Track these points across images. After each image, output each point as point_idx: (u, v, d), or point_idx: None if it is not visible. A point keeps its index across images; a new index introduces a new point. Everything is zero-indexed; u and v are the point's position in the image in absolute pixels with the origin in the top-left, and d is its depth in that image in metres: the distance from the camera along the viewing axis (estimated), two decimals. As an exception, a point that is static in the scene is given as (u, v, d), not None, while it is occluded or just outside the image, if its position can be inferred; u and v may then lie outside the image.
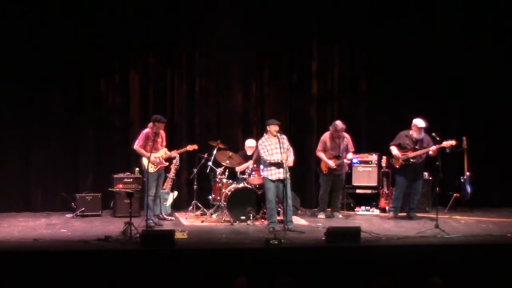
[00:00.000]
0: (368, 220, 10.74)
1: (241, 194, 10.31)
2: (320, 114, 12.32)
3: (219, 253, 8.15)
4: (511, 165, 12.32)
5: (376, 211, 11.51)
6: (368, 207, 11.65)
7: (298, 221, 10.53)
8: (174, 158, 10.59)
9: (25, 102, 11.37)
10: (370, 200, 11.78)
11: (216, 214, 10.72)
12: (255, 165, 10.56)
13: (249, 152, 11.02)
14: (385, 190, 11.50)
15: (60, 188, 11.40)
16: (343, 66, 12.46)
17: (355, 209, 11.70)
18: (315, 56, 12.29)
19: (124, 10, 11.63)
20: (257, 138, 10.43)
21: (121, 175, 11.03)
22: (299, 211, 11.40)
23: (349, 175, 11.56)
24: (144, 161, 9.84)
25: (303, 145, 12.02)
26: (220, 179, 10.72)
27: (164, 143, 10.15)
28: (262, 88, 12.28)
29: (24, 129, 11.40)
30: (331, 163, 10.77)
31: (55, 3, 11.36)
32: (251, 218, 10.16)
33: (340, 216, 11.09)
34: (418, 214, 10.89)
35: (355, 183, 11.82)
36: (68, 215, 10.88)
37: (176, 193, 11.14)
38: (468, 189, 11.50)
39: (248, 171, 10.58)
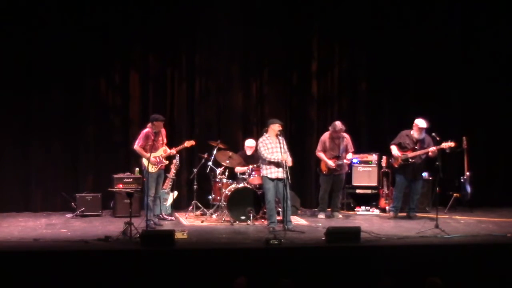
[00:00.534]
0: (368, 220, 10.75)
1: (241, 194, 10.31)
2: (320, 114, 12.32)
3: (219, 253, 8.14)
4: (511, 165, 12.33)
5: (376, 211, 11.51)
6: (368, 207, 11.66)
7: (298, 221, 10.53)
8: (174, 156, 10.58)
9: (25, 102, 11.37)
10: (370, 200, 11.79)
11: (216, 214, 10.72)
12: (255, 165, 10.56)
13: (248, 152, 11.02)
14: (385, 190, 11.50)
15: (60, 188, 11.39)
16: (343, 66, 12.46)
17: (355, 209, 11.70)
18: (315, 56, 12.29)
19: (124, 10, 11.63)
20: (257, 138, 10.42)
21: (121, 175, 11.03)
22: (299, 211, 11.40)
23: (349, 175, 11.56)
24: (144, 161, 9.84)
25: (303, 145, 12.03)
26: (220, 179, 10.72)
27: (165, 141, 10.14)
28: (262, 88, 12.28)
29: (24, 129, 11.40)
30: (331, 163, 10.77)
31: (55, 3, 11.35)
32: (251, 218, 10.16)
33: (340, 216, 11.09)
34: (418, 214, 10.90)
35: (355, 183, 11.82)
36: (68, 215, 10.89)
37: (176, 193, 11.14)
38: (468, 189, 11.50)
39: (248, 171, 10.58)
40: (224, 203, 10.34)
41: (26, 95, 11.36)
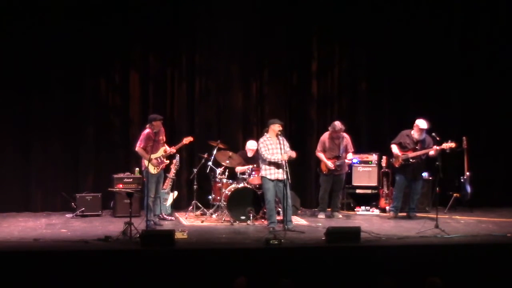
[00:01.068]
0: (368, 220, 10.74)
1: (241, 194, 10.31)
2: (320, 114, 12.32)
3: (219, 253, 8.14)
4: (511, 165, 12.33)
5: (376, 211, 11.51)
6: (368, 207, 11.65)
7: (298, 221, 10.53)
8: (174, 156, 10.56)
9: (25, 102, 11.37)
10: (370, 200, 11.78)
11: (216, 214, 10.73)
12: (255, 165, 10.55)
13: (249, 154, 10.98)
14: (385, 190, 11.50)
15: (60, 188, 11.39)
16: (343, 66, 12.46)
17: (355, 209, 11.70)
18: (315, 56, 12.28)
19: (124, 10, 11.63)
20: (257, 138, 10.42)
21: (121, 175, 11.03)
22: (299, 211, 11.40)
23: (349, 175, 11.55)
24: (146, 162, 9.83)
25: (303, 145, 12.01)
26: (220, 179, 10.72)
27: (164, 139, 10.14)
28: (262, 88, 12.27)
29: (24, 129, 11.40)
30: (330, 164, 10.77)
31: (55, 3, 11.34)
32: (251, 218, 10.16)
33: (340, 216, 11.08)
34: (418, 214, 10.90)
35: (355, 183, 11.82)
36: (68, 215, 10.89)
37: (176, 193, 11.14)
38: (468, 189, 11.50)
39: (248, 171, 10.58)
40: (224, 203, 10.34)
41: (26, 95, 11.36)
